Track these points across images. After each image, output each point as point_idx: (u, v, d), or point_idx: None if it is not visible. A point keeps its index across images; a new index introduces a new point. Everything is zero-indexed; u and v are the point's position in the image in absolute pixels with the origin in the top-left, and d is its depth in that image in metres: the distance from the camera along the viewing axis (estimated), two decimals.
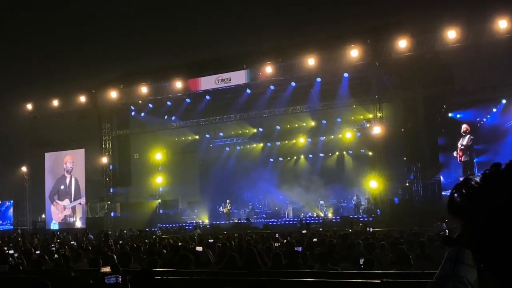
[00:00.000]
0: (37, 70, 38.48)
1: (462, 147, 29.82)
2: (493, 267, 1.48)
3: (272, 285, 6.19)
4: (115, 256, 11.81)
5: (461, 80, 28.24)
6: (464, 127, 29.52)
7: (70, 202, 37.97)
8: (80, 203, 37.62)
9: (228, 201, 36.81)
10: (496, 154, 27.61)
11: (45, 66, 38.08)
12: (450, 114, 29.96)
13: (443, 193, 28.47)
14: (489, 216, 1.49)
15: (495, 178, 1.54)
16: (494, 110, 28.75)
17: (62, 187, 38.51)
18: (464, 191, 1.58)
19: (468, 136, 29.51)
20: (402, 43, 27.47)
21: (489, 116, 29.11)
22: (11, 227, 38.39)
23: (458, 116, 29.84)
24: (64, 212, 38.18)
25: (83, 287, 6.20)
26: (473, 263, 1.61)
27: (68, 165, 38.36)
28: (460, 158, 30.05)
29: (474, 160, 29.81)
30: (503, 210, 1.47)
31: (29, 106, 38.20)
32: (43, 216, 39.58)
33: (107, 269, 5.87)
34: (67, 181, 38.43)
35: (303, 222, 29.07)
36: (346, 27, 31.06)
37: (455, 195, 1.59)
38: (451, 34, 26.16)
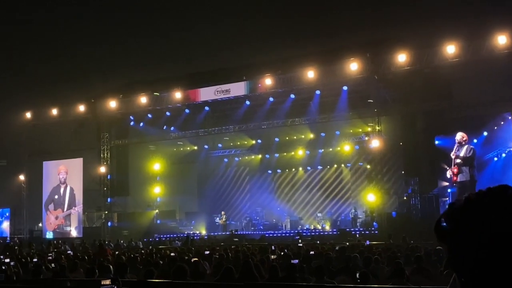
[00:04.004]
0: (37, 78, 38.58)
1: (459, 160, 26.16)
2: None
3: None
4: (111, 267, 11.78)
5: (459, 95, 28.29)
6: (459, 135, 26.20)
7: (63, 211, 37.93)
8: (73, 212, 37.54)
9: (223, 212, 36.84)
10: None
11: (45, 75, 38.18)
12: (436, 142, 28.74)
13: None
14: (470, 245, 1.52)
15: (477, 206, 1.58)
16: (475, 141, 27.83)
17: (56, 196, 38.51)
18: (447, 217, 1.62)
19: (466, 146, 26.22)
20: (401, 57, 27.57)
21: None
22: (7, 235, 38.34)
23: (436, 142, 28.69)
24: (56, 221, 38.13)
25: None
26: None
27: (61, 176, 38.36)
28: (455, 178, 26.44)
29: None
30: (484, 238, 1.50)
31: (28, 115, 38.22)
32: (40, 225, 39.50)
33: (106, 281, 5.88)
34: (61, 190, 38.41)
35: (301, 234, 29.01)
36: (345, 40, 31.25)
37: (442, 222, 1.63)
38: (450, 49, 26.25)
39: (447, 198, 28.81)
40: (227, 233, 33.48)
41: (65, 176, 38.33)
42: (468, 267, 1.54)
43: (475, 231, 1.55)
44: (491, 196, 1.61)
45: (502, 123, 27.66)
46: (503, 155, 27.56)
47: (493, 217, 1.55)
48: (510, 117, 27.54)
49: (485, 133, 27.77)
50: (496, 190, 1.63)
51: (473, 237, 1.54)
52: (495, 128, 27.77)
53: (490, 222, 1.54)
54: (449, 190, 28.80)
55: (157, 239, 33.44)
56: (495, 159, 27.97)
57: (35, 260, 17.37)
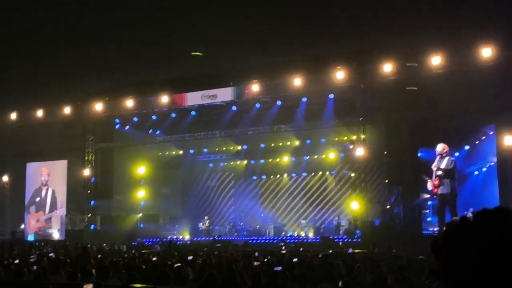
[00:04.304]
0: (23, 79, 38.35)
1: (440, 172, 27.00)
2: None
3: None
4: (93, 271, 11.77)
5: (444, 106, 28.51)
6: (440, 146, 27.16)
7: (44, 214, 37.76)
8: (54, 215, 37.38)
9: (206, 217, 36.84)
10: None
11: (31, 75, 37.97)
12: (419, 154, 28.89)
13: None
14: (469, 255, 1.60)
15: (475, 223, 1.66)
16: (457, 154, 28.02)
17: (37, 199, 38.34)
18: (446, 233, 1.70)
19: (447, 158, 27.11)
20: (387, 67, 27.76)
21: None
22: None
23: (419, 154, 28.85)
24: (37, 224, 37.93)
25: None
26: None
27: (43, 178, 38.22)
28: (436, 190, 27.08)
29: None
30: (484, 247, 1.58)
31: (13, 115, 37.98)
32: (22, 226, 39.24)
33: (89, 286, 5.90)
34: (43, 193, 38.25)
35: (285, 241, 29.02)
36: (332, 49, 31.32)
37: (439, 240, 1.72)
38: (436, 60, 26.48)
39: (428, 210, 28.92)
40: (211, 238, 33.43)
41: (47, 178, 38.18)
42: (465, 278, 1.61)
43: (474, 241, 1.62)
44: (487, 216, 1.70)
45: (483, 137, 27.86)
46: (484, 169, 27.73)
47: (491, 231, 1.62)
48: (491, 132, 27.64)
49: (467, 147, 27.94)
50: (492, 212, 1.72)
51: (471, 248, 1.61)
52: (477, 142, 27.95)
53: (489, 232, 1.62)
54: (429, 203, 28.93)
55: (136, 243, 33.26)
56: (476, 172, 28.16)
57: (16, 261, 17.30)
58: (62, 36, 37.64)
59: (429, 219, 29.11)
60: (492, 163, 27.39)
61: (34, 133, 37.37)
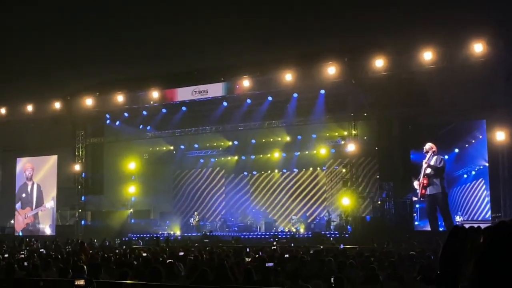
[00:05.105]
0: (12, 74, 38.11)
1: (429, 170, 27.07)
2: None
3: None
4: (85, 267, 11.69)
5: (436, 101, 28.57)
6: (428, 145, 27.33)
7: (32, 209, 37.63)
8: (42, 210, 37.26)
9: (196, 213, 36.82)
10: None
11: (20, 70, 37.75)
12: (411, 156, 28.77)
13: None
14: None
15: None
16: (446, 157, 27.84)
17: (23, 195, 38.27)
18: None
19: (436, 156, 27.27)
20: (379, 63, 27.76)
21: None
22: None
23: (410, 157, 28.72)
24: (26, 220, 37.80)
25: None
26: None
27: (27, 172, 38.11)
28: (423, 191, 27.07)
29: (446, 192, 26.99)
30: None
31: (3, 110, 37.73)
32: (12, 221, 39.06)
33: (81, 282, 5.84)
34: (29, 188, 38.19)
35: (277, 239, 28.95)
36: (324, 44, 31.32)
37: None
38: (427, 55, 26.51)
39: (415, 214, 28.63)
40: (201, 234, 33.39)
41: (31, 172, 38.11)
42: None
43: None
44: None
45: (473, 141, 27.84)
46: (473, 172, 27.76)
47: None
48: (480, 136, 27.48)
49: (456, 150, 27.90)
50: None
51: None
52: (466, 146, 27.95)
53: None
54: (417, 206, 28.59)
55: (126, 239, 33.17)
56: (465, 176, 28.23)
57: (6, 256, 17.21)
58: (52, 31, 37.44)
59: (416, 223, 28.52)
60: (481, 167, 27.34)
61: (24, 128, 37.16)
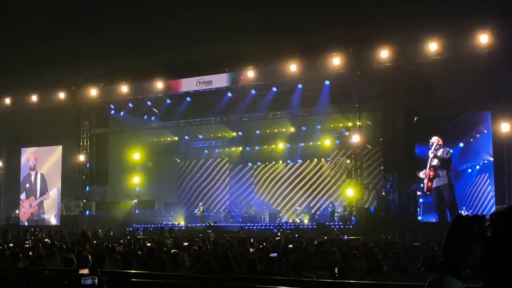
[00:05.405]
0: (17, 64, 38.11)
1: (436, 162, 27.00)
2: None
3: None
4: (89, 256, 11.73)
5: (441, 93, 28.48)
6: (434, 138, 27.49)
7: (36, 199, 37.78)
8: (46, 198, 37.39)
9: (201, 203, 36.89)
10: None
11: (25, 60, 37.74)
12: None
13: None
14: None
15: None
16: (451, 151, 27.76)
17: (27, 185, 38.43)
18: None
19: (442, 149, 27.31)
20: (384, 53, 27.67)
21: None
22: None
23: (415, 151, 28.60)
24: (30, 209, 37.94)
25: None
26: None
27: (31, 162, 38.25)
28: (430, 184, 26.97)
29: (453, 185, 26.86)
30: None
31: (8, 101, 37.79)
32: (17, 211, 39.20)
33: (85, 271, 5.86)
34: (32, 178, 38.33)
35: (281, 230, 28.90)
36: (329, 35, 31.19)
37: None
38: (433, 46, 26.41)
39: (418, 208, 28.51)
40: (206, 224, 33.45)
41: (34, 162, 38.25)
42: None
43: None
44: None
45: (478, 135, 27.72)
46: (477, 167, 27.65)
47: None
48: (485, 130, 27.33)
49: (461, 144, 27.81)
50: None
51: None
52: (471, 140, 27.83)
53: None
54: (421, 200, 28.47)
55: (131, 229, 33.24)
56: (469, 170, 28.14)
57: (11, 245, 17.27)
58: (57, 21, 37.42)
59: (420, 217, 28.30)
60: (486, 161, 27.25)
61: (28, 119, 37.19)
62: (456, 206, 26.70)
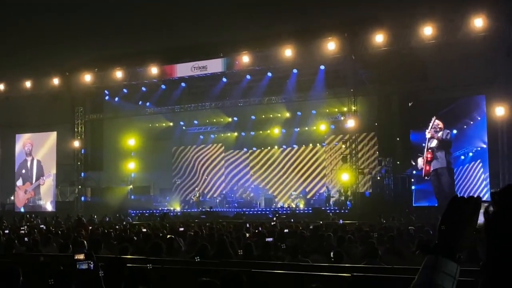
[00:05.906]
0: (10, 50, 37.87)
1: (435, 144, 26.78)
2: None
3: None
4: (85, 242, 11.74)
5: (436, 77, 28.47)
6: (437, 121, 27.32)
7: (31, 184, 37.77)
8: (41, 183, 37.36)
9: (197, 189, 36.96)
10: None
11: (19, 46, 37.50)
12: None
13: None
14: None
15: None
16: (452, 133, 27.72)
17: (23, 171, 38.40)
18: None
19: (442, 131, 27.17)
20: (379, 38, 27.62)
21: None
22: None
23: (410, 137, 28.56)
24: (26, 195, 37.93)
25: (54, 273, 6.15)
26: (450, 272, 1.67)
27: (26, 148, 38.21)
28: (427, 168, 26.63)
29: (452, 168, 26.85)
30: None
31: (1, 87, 37.63)
32: (12, 198, 39.17)
33: (80, 256, 5.85)
34: (28, 164, 38.31)
35: (277, 215, 28.93)
36: (323, 19, 31.09)
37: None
38: (428, 30, 26.36)
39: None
40: (202, 209, 33.51)
41: (30, 148, 38.18)
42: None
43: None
44: None
45: (471, 122, 27.70)
46: (470, 154, 27.66)
47: None
48: (479, 118, 27.26)
49: (455, 131, 27.81)
50: None
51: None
52: (465, 127, 27.83)
53: None
54: (413, 187, 28.43)
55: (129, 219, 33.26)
56: (462, 157, 28.14)
57: (6, 232, 17.27)
58: (50, 6, 37.13)
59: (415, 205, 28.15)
60: (479, 148, 27.27)
61: (23, 104, 37.03)
62: (453, 190, 26.66)
